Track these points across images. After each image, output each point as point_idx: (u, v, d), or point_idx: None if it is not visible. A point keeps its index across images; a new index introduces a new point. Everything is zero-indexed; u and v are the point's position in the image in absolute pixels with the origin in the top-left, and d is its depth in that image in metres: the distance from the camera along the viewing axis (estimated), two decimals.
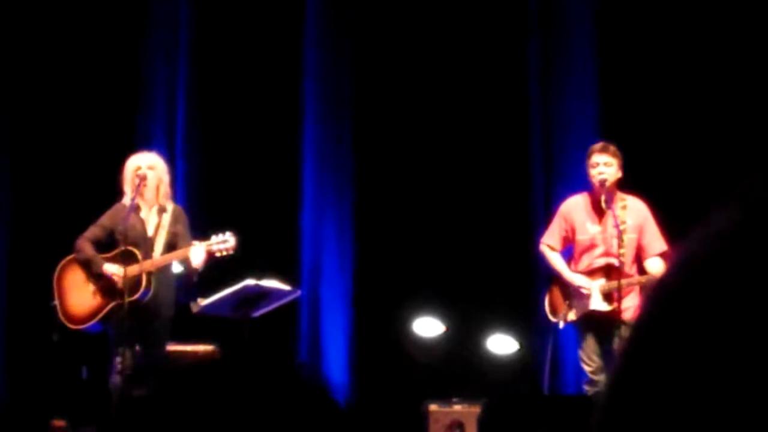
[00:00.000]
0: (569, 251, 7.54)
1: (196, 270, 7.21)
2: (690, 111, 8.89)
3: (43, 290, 7.72)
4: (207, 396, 1.15)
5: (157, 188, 7.35)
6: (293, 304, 8.32)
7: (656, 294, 0.70)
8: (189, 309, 7.33)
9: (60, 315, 7.30)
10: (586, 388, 7.31)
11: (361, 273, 9.35)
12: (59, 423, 8.14)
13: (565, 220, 7.50)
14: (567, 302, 7.46)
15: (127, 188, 7.34)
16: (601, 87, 9.17)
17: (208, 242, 7.22)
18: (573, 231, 7.45)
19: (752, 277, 0.65)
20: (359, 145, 9.49)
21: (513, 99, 9.38)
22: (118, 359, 7.10)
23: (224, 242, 7.22)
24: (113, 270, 7.17)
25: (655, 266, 7.20)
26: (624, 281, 7.14)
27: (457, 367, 8.87)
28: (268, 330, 7.81)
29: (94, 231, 7.34)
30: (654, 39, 9.05)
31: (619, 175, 7.32)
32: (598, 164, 7.28)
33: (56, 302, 7.32)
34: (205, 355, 8.08)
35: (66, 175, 9.21)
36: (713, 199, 0.71)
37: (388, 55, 9.52)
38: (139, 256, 7.16)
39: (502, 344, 8.88)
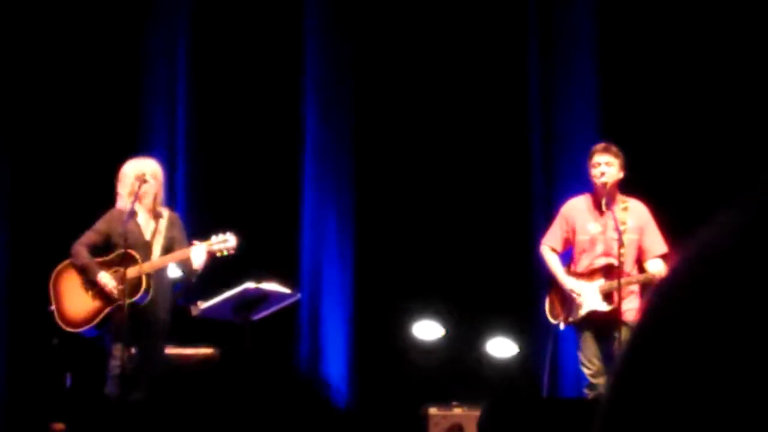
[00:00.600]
0: (569, 253, 7.54)
1: (195, 271, 7.21)
2: (691, 113, 8.88)
3: (43, 294, 7.71)
4: (206, 399, 1.15)
5: (155, 195, 7.36)
6: (293, 307, 8.32)
7: (660, 296, 0.69)
8: (188, 312, 7.33)
9: (57, 319, 7.29)
10: (586, 391, 7.31)
11: (361, 276, 9.34)
12: (58, 426, 8.13)
13: (566, 221, 7.50)
14: (566, 305, 7.46)
15: (124, 192, 7.32)
16: (601, 90, 9.17)
17: (208, 242, 7.22)
18: (574, 232, 7.46)
19: (758, 279, 0.64)
20: (360, 148, 9.49)
21: (513, 100, 9.38)
22: (116, 363, 7.09)
23: (225, 242, 7.23)
24: (106, 281, 7.17)
25: (656, 267, 7.21)
26: (623, 280, 7.16)
27: (456, 371, 8.86)
28: (268, 333, 7.80)
29: (90, 236, 7.33)
30: (655, 42, 9.05)
31: (621, 175, 7.33)
32: (599, 164, 7.30)
33: (53, 306, 7.31)
34: (205, 358, 8.08)
35: (66, 179, 9.19)
36: (715, 201, 0.70)
37: (389, 60, 9.52)
38: (139, 259, 7.16)
39: (501, 347, 8.88)
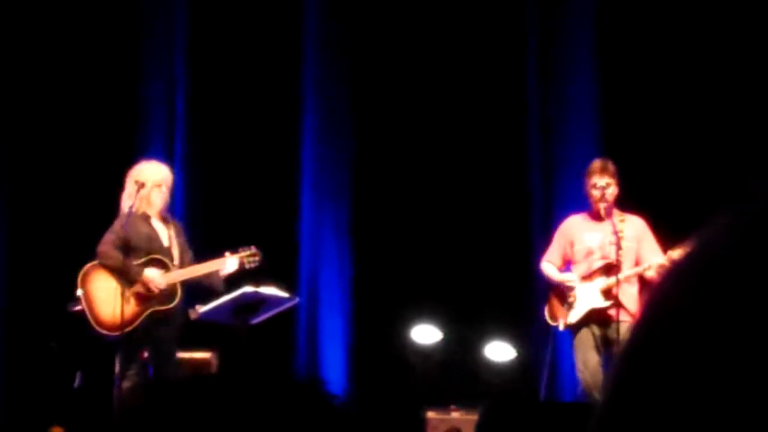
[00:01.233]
0: (569, 268, 7.60)
1: (222, 279, 7.24)
2: (691, 124, 8.87)
3: (42, 297, 7.70)
4: (205, 403, 1.15)
5: (165, 201, 7.37)
6: (291, 311, 8.32)
7: (659, 296, 0.69)
8: (187, 315, 7.33)
9: (91, 322, 7.16)
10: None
11: (359, 280, 9.34)
12: (58, 430, 8.12)
13: (564, 236, 7.58)
14: (565, 306, 7.48)
15: (133, 194, 7.25)
16: (600, 100, 9.16)
17: (240, 254, 7.28)
18: (571, 245, 7.52)
19: (758, 279, 0.64)
20: (357, 154, 9.49)
21: (512, 106, 9.38)
22: (133, 366, 7.10)
23: (254, 255, 7.31)
24: (153, 276, 7.14)
25: (656, 259, 7.26)
26: (622, 275, 7.19)
27: (454, 375, 8.86)
28: (266, 337, 7.80)
29: (111, 238, 7.21)
30: (655, 51, 9.04)
31: (617, 191, 7.39)
32: (596, 185, 7.34)
33: (83, 308, 7.17)
34: (203, 362, 8.07)
35: (65, 181, 9.19)
36: (713, 213, 0.70)
37: (387, 66, 9.52)
38: (170, 265, 7.17)
39: (499, 351, 8.87)
